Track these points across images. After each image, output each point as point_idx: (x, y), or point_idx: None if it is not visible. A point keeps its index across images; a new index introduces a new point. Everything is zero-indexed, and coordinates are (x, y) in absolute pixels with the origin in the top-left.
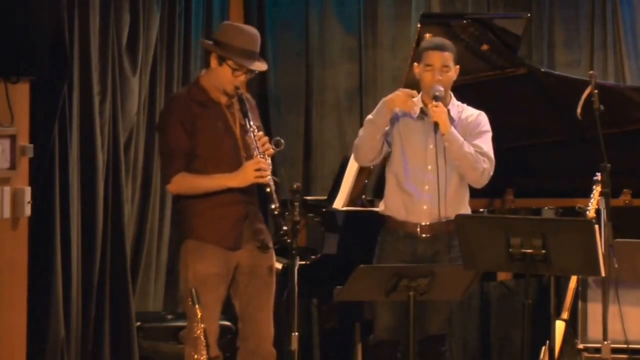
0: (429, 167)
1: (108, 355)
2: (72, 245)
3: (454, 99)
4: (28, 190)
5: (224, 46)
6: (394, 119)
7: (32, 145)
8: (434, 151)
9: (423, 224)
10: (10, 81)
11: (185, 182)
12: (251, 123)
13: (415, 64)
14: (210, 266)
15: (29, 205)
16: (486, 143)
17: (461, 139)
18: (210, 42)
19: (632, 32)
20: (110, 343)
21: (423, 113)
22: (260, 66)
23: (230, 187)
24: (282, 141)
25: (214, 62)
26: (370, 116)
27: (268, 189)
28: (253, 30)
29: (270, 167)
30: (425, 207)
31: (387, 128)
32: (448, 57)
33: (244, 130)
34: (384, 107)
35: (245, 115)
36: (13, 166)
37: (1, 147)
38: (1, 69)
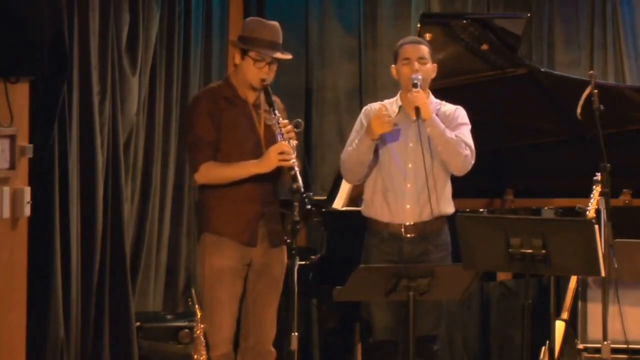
0: (410, 166)
1: (108, 355)
2: (71, 245)
3: (432, 97)
4: (28, 190)
5: (245, 39)
6: None
7: (31, 145)
8: (414, 149)
9: (407, 224)
10: (10, 81)
11: (211, 171)
12: (276, 112)
13: (393, 66)
14: (226, 259)
15: (29, 205)
16: (465, 134)
17: (443, 125)
18: (234, 40)
19: (632, 32)
20: (110, 343)
21: (402, 111)
22: (282, 54)
23: (256, 174)
24: (302, 122)
25: (237, 57)
26: (355, 144)
27: (292, 172)
28: (273, 22)
29: (295, 153)
30: (408, 206)
31: (372, 154)
32: (424, 50)
33: (269, 130)
34: (366, 137)
35: (270, 105)
36: (13, 166)
37: (1, 147)
38: (1, 69)
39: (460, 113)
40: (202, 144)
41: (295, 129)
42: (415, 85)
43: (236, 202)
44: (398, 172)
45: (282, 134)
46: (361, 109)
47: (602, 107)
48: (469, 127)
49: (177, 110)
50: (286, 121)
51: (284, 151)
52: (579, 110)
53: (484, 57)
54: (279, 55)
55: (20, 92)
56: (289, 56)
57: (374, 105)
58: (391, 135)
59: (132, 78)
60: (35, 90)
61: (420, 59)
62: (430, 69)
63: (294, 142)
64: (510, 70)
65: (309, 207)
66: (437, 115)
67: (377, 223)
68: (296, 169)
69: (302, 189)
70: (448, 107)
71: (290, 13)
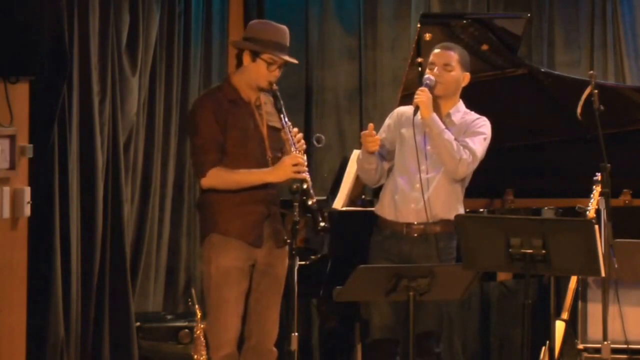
0: (423, 167)
1: (108, 355)
2: (71, 245)
3: (461, 105)
4: (27, 191)
5: (257, 41)
6: (399, 121)
7: (31, 145)
8: (429, 151)
9: (410, 223)
10: (10, 81)
11: (221, 176)
12: (286, 119)
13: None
14: (233, 260)
15: (29, 205)
16: (474, 141)
17: (442, 126)
18: (241, 41)
19: (632, 32)
20: (110, 343)
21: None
22: (293, 59)
23: (267, 182)
24: (323, 137)
25: (246, 59)
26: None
27: (305, 185)
28: (282, 25)
29: (306, 164)
30: (412, 206)
31: (375, 164)
32: (451, 56)
33: (272, 130)
34: (363, 148)
35: (280, 111)
36: (13, 166)
37: (1, 147)
38: (1, 69)
39: (479, 122)
40: (209, 147)
41: (316, 144)
42: (426, 86)
43: (242, 203)
44: (411, 172)
45: (295, 144)
46: (361, 109)
47: (602, 107)
48: (483, 136)
49: (177, 110)
50: (296, 129)
51: (299, 163)
52: (579, 110)
53: (484, 58)
54: (290, 58)
55: (20, 92)
56: (296, 60)
57: (401, 109)
58: (408, 136)
59: (132, 78)
60: (35, 90)
61: (445, 65)
62: (454, 77)
63: (303, 148)
64: (510, 71)
65: (323, 224)
66: (459, 122)
67: (383, 221)
68: (309, 181)
69: (316, 205)
70: (472, 116)
71: (290, 13)
